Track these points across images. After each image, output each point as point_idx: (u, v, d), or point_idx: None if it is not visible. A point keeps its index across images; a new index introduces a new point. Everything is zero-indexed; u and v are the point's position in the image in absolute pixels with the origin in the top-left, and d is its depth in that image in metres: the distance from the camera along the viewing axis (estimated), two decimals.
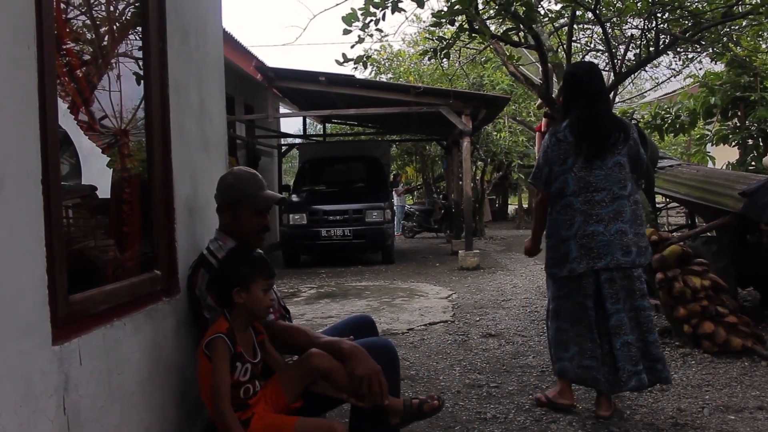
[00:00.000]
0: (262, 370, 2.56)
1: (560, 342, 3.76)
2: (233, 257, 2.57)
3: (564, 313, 3.75)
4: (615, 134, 3.64)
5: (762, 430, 3.39)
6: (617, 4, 6.36)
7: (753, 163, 8.24)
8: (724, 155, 9.66)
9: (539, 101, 6.26)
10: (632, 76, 9.27)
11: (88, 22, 2.83)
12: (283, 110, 16.53)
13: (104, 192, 2.96)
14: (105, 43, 2.96)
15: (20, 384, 1.65)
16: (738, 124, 8.53)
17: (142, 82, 2.79)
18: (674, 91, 12.89)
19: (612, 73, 6.51)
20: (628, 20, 6.86)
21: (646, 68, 10.96)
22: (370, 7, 4.60)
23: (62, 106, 2.51)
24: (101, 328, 2.08)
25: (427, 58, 5.94)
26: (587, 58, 9.00)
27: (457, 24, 4.93)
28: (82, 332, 1.96)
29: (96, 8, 2.91)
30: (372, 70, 19.88)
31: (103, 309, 2.14)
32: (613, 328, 3.57)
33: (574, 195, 3.64)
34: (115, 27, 2.98)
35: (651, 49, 5.56)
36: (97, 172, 3.08)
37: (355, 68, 5.86)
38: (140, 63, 2.82)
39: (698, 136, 9.77)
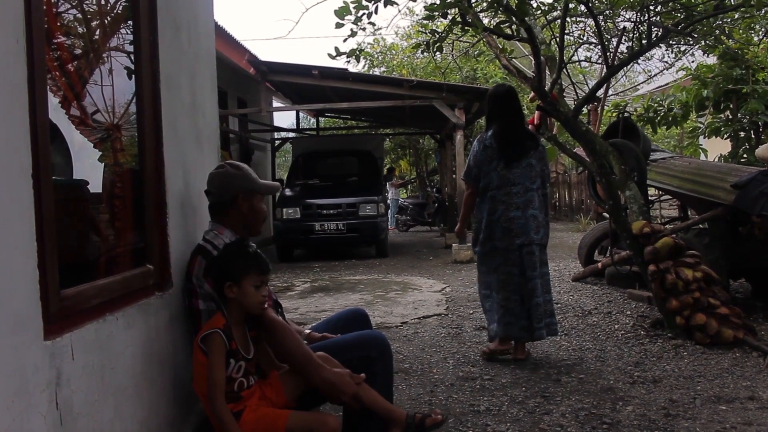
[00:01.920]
0: (256, 367, 2.57)
1: (490, 307, 4.78)
2: (227, 252, 2.58)
3: (493, 283, 4.74)
4: (527, 143, 4.73)
5: (753, 419, 3.41)
6: None
7: (745, 155, 8.27)
8: (717, 148, 9.70)
9: (532, 94, 6.25)
10: (625, 68, 9.27)
11: (79, 15, 2.82)
12: (276, 104, 16.51)
13: (96, 187, 2.95)
14: (96, 37, 2.94)
15: (12, 379, 1.65)
16: (730, 117, 8.55)
17: (133, 76, 2.78)
18: (667, 84, 12.92)
19: (605, 66, 6.51)
20: (621, 13, 6.87)
21: (639, 61, 10.99)
22: (363, 0, 4.59)
23: (53, 100, 2.50)
24: (94, 322, 2.07)
25: (419, 51, 5.93)
26: (580, 51, 9.02)
27: (449, 17, 4.92)
28: (74, 327, 1.95)
29: (87, 2, 2.89)
30: (365, 64, 19.87)
31: (95, 303, 2.13)
32: (530, 291, 4.62)
33: (497, 189, 4.68)
34: (106, 21, 2.96)
35: (643, 41, 5.56)
36: (88, 166, 3.07)
37: (348, 62, 5.86)
38: (132, 57, 2.81)
39: (691, 128, 9.79)
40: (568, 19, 6.20)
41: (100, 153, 2.95)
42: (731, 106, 8.48)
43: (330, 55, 5.07)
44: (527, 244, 4.60)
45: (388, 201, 16.98)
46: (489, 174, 4.69)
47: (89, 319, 2.06)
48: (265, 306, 2.57)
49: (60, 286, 1.92)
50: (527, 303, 4.62)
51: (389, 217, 16.62)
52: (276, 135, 17.68)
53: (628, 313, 6.00)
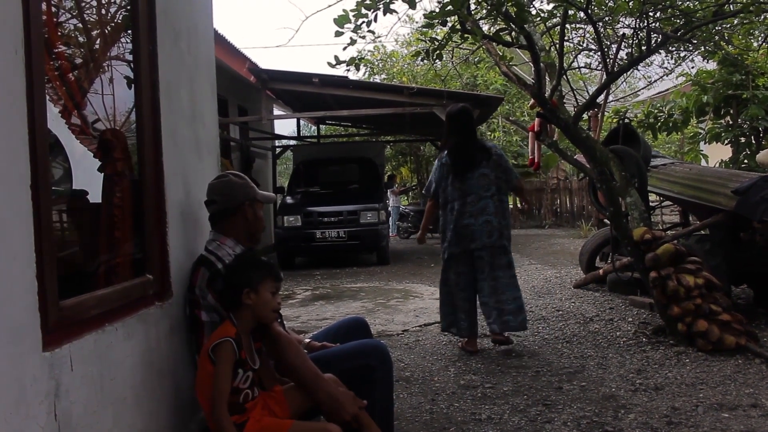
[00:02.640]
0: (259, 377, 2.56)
1: (446, 303, 5.35)
2: (243, 260, 2.60)
3: (450, 283, 5.30)
4: (478, 155, 5.19)
5: (756, 427, 3.39)
6: (609, 4, 6.37)
7: (745, 161, 8.27)
8: (717, 153, 9.70)
9: (532, 101, 6.26)
10: (625, 75, 9.28)
11: (79, 25, 2.82)
12: (276, 112, 16.52)
13: (96, 197, 2.94)
14: (96, 46, 2.95)
15: (11, 390, 1.64)
16: (730, 122, 8.57)
17: (133, 85, 2.78)
18: (667, 90, 12.92)
19: (604, 72, 6.52)
20: (620, 19, 6.87)
21: (639, 67, 10.97)
22: (362, 8, 4.59)
23: (53, 110, 2.50)
24: (93, 333, 2.07)
25: (420, 58, 5.94)
26: (580, 58, 9.03)
27: (449, 24, 4.93)
28: (73, 338, 1.95)
29: (87, 11, 2.90)
30: (365, 71, 19.90)
31: (94, 314, 2.12)
32: (479, 291, 5.21)
33: (454, 200, 5.20)
34: (106, 30, 2.96)
35: (643, 48, 5.57)
36: (88, 176, 3.07)
37: (348, 70, 5.86)
38: (131, 66, 2.81)
39: (691, 134, 9.81)
40: (567, 25, 6.21)
41: (100, 163, 2.95)
42: (731, 111, 8.50)
43: (330, 64, 5.08)
44: (479, 249, 5.13)
45: (389, 208, 16.97)
46: (446, 188, 5.26)
47: (88, 330, 2.05)
48: (278, 313, 2.59)
49: (59, 296, 1.91)
50: (478, 301, 5.26)
51: (390, 224, 16.60)
52: (277, 143, 17.69)
53: (630, 320, 5.99)
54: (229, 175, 2.95)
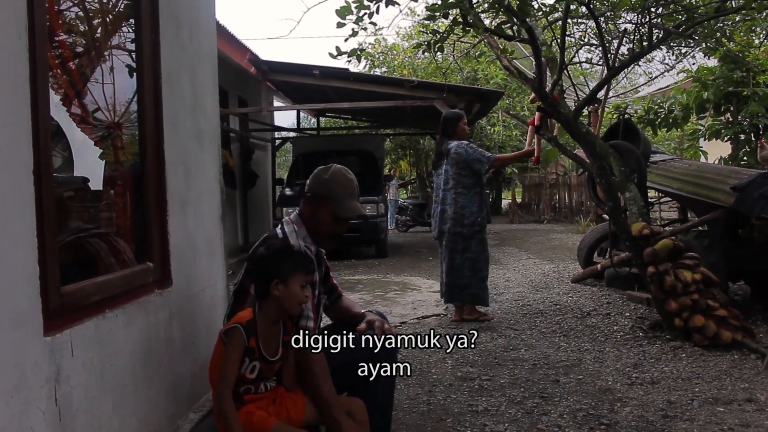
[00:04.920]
0: (277, 372, 2.51)
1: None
2: (275, 249, 2.53)
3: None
4: (442, 156, 6.07)
5: (750, 421, 3.42)
6: None
7: (745, 158, 8.28)
8: (717, 150, 9.71)
9: (533, 95, 6.27)
10: (626, 70, 9.28)
11: (80, 13, 2.82)
12: (276, 104, 16.49)
13: (97, 184, 2.95)
14: (98, 35, 2.95)
15: (12, 375, 1.66)
16: (730, 119, 8.56)
17: (134, 74, 2.78)
18: (668, 86, 12.92)
19: (605, 68, 6.51)
20: (622, 14, 6.86)
21: (640, 63, 10.98)
22: (364, 0, 4.59)
23: (55, 98, 2.51)
24: (93, 319, 2.08)
25: (421, 51, 5.96)
26: (581, 53, 9.03)
27: (450, 17, 4.92)
28: (74, 323, 1.96)
29: (89, 0, 2.90)
30: (366, 64, 19.87)
31: (95, 300, 2.14)
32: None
33: (433, 191, 6.30)
34: (108, 19, 2.96)
35: (644, 43, 5.57)
36: (90, 164, 3.07)
37: (349, 61, 5.90)
38: (133, 55, 2.81)
39: (691, 131, 9.80)
40: (569, 20, 6.21)
41: (101, 151, 2.96)
42: (731, 108, 8.49)
43: (331, 55, 5.08)
44: (441, 233, 6.05)
45: (388, 201, 16.97)
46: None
47: (89, 316, 2.07)
48: (311, 316, 2.53)
49: (60, 282, 1.93)
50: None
51: (389, 217, 16.61)
52: (276, 134, 17.67)
53: (627, 314, 6.01)
54: (328, 168, 2.83)
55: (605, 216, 8.27)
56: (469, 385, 4.21)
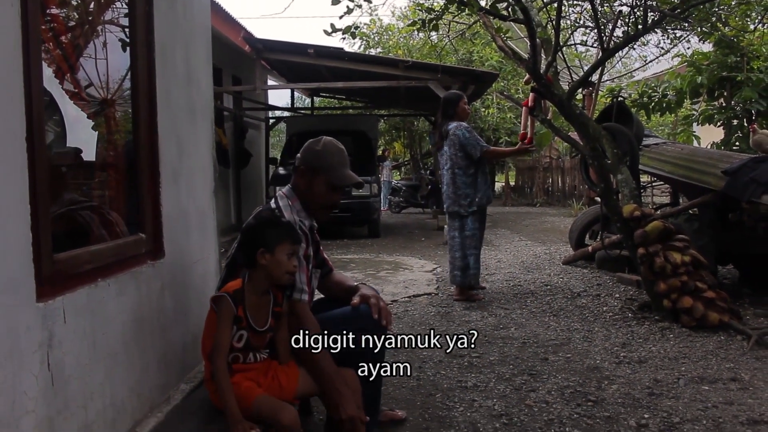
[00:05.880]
0: (268, 344, 2.53)
1: None
2: (261, 219, 2.56)
3: None
4: (443, 138, 6.17)
5: (734, 399, 3.47)
6: None
7: (737, 143, 8.31)
8: (710, 135, 9.73)
9: (527, 77, 6.27)
10: (621, 54, 9.27)
11: None
12: (271, 82, 16.40)
13: (90, 156, 2.95)
14: (91, 8, 2.93)
15: (5, 340, 1.67)
16: (724, 104, 8.58)
17: (128, 47, 2.77)
18: (662, 71, 12.91)
19: (600, 50, 6.51)
20: None
21: (635, 46, 10.96)
22: None
23: (47, 71, 2.50)
24: (86, 287, 2.09)
25: (416, 30, 5.94)
26: (576, 35, 9.01)
27: None
28: (66, 291, 1.97)
29: None
30: (361, 45, 19.76)
31: (87, 269, 2.15)
32: None
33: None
34: None
35: (639, 26, 5.56)
36: (83, 138, 3.07)
37: (344, 38, 5.85)
38: (126, 31, 2.79)
39: (684, 115, 9.81)
40: (564, 1, 6.19)
41: (94, 123, 2.95)
42: (725, 93, 8.51)
43: (326, 32, 5.07)
44: (445, 212, 6.28)
45: (381, 182, 16.96)
46: None
47: (81, 284, 2.08)
48: (294, 276, 2.53)
49: (53, 250, 1.93)
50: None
51: (381, 198, 16.61)
52: (270, 114, 17.58)
53: (617, 295, 6.06)
54: (319, 140, 2.84)
55: (597, 199, 8.30)
56: (458, 362, 4.25)
